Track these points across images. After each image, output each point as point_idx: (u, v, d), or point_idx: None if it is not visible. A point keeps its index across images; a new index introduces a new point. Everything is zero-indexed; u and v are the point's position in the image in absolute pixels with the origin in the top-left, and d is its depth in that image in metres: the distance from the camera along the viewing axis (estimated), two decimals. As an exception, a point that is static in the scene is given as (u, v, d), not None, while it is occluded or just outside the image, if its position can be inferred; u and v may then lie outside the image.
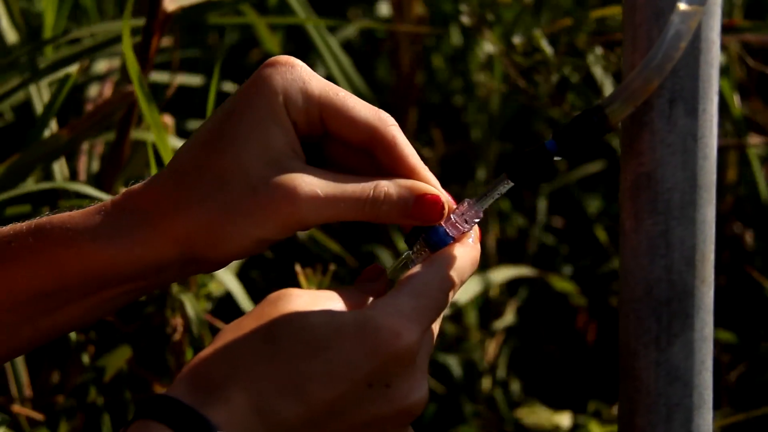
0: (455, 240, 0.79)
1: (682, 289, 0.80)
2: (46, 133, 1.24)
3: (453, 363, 1.64)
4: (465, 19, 1.43)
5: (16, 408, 1.23)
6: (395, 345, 0.71)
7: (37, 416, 1.22)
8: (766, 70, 1.52)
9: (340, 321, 0.72)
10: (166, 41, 1.52)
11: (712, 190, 0.80)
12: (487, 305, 1.81)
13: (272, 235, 0.77)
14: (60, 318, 0.79)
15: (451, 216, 0.79)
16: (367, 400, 0.71)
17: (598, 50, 1.40)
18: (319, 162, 0.80)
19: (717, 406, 1.51)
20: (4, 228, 0.78)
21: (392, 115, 0.80)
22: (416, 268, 0.76)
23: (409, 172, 0.79)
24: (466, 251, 0.78)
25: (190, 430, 0.68)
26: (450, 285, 0.76)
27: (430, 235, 0.78)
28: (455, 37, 1.94)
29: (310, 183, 0.76)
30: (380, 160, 0.79)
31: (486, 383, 1.65)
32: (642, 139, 0.79)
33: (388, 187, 0.77)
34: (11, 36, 1.41)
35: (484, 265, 1.81)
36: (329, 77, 1.49)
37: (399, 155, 0.79)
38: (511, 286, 1.86)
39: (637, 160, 0.80)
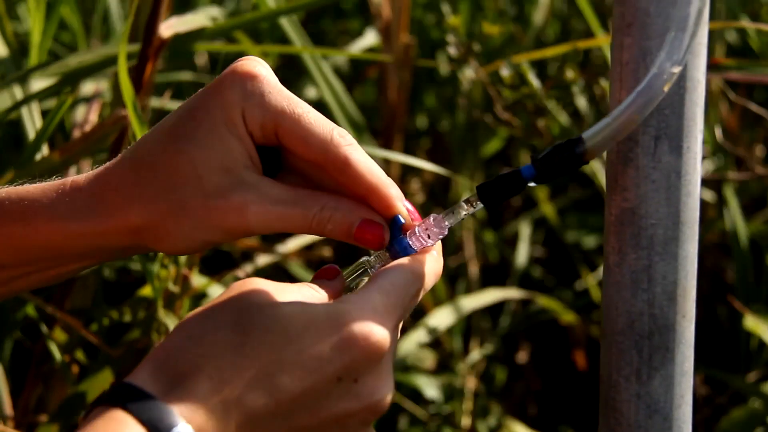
0: (417, 253, 0.79)
1: (664, 323, 0.81)
2: (37, 157, 1.24)
3: (434, 389, 1.65)
4: (452, 50, 1.43)
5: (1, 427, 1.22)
6: (368, 341, 0.71)
7: (19, 436, 1.22)
8: (748, 104, 1.54)
9: (313, 313, 0.71)
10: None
11: (694, 226, 0.81)
12: (469, 332, 1.82)
13: (218, 240, 0.79)
14: (14, 287, 0.82)
15: (416, 229, 0.79)
16: (335, 394, 0.71)
17: (580, 82, 1.42)
18: (278, 166, 0.81)
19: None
20: None
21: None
22: (389, 266, 0.77)
23: (365, 191, 0.79)
24: (431, 261, 0.79)
25: (152, 419, 0.66)
26: (417, 288, 0.77)
27: (393, 245, 0.79)
28: (443, 66, 1.96)
29: (260, 197, 0.77)
30: (335, 179, 0.80)
31: (467, 408, 1.66)
32: (627, 175, 0.80)
33: (334, 210, 0.78)
34: (1, 50, 1.41)
35: (468, 289, 1.82)
36: (321, 102, 1.51)
37: (353, 175, 0.79)
38: (494, 314, 1.87)
39: (621, 195, 0.81)
